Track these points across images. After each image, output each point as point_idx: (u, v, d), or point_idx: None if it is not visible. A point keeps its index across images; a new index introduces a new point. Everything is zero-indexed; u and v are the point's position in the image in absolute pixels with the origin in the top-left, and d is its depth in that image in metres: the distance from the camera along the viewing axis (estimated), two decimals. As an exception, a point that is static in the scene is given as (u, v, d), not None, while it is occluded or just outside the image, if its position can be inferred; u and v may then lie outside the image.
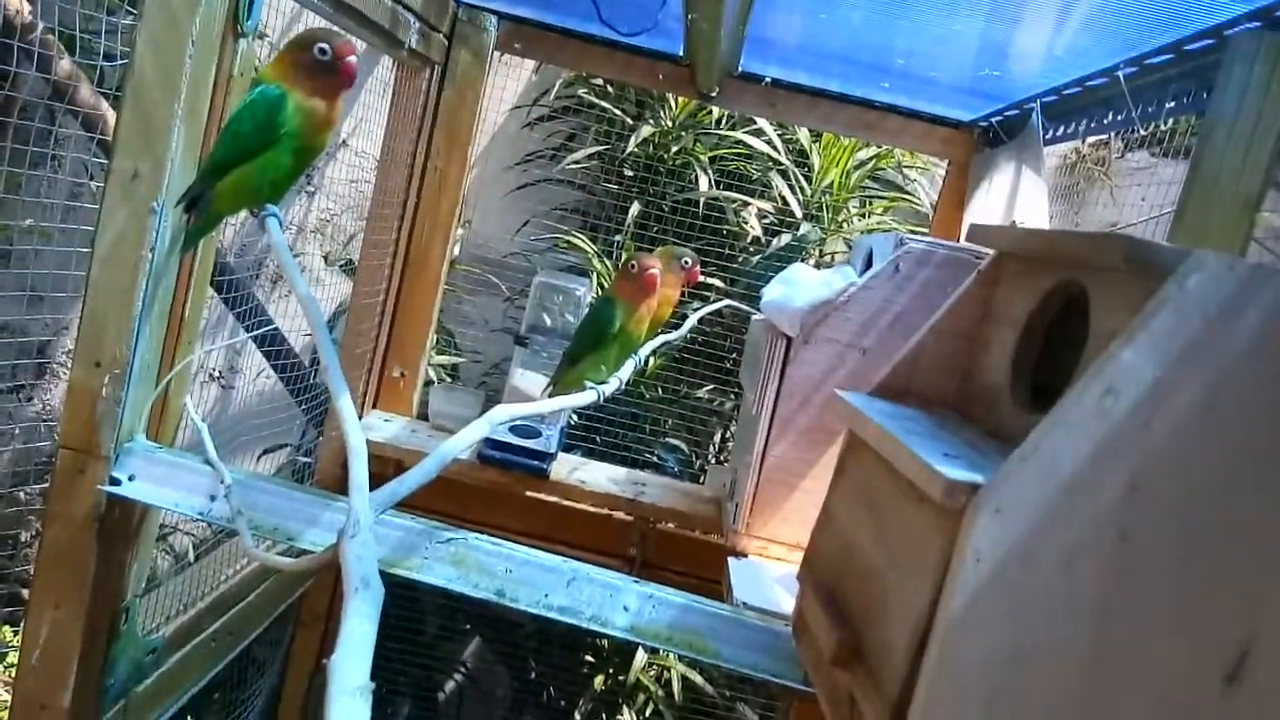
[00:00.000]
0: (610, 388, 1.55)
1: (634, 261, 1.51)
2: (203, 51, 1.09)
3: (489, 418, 1.07)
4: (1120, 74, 1.40)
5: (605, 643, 2.57)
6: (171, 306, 1.18)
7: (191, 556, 2.49)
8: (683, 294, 1.73)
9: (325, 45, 1.00)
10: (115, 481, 1.11)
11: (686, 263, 1.62)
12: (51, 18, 1.93)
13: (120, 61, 1.73)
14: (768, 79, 2.01)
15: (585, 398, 1.49)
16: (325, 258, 3.00)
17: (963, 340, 0.99)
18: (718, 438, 2.78)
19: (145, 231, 1.08)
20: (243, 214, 1.12)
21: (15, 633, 2.73)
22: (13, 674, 2.59)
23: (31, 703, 1.14)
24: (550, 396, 1.59)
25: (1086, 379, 0.66)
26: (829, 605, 0.89)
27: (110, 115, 2.10)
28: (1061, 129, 1.70)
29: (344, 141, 2.92)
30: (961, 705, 0.66)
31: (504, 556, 1.11)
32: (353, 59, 1.01)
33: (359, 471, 0.74)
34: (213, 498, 1.11)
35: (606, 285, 2.38)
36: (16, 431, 2.91)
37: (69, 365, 1.10)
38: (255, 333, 2.17)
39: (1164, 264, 0.66)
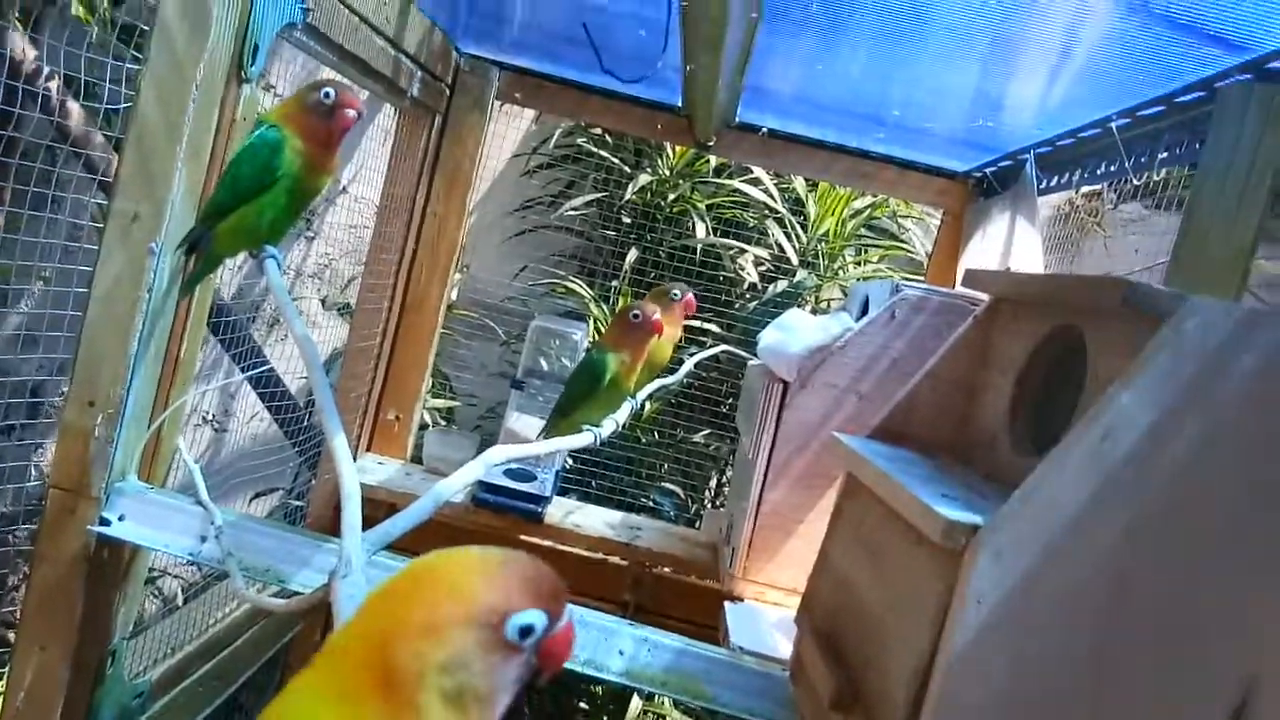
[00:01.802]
0: (606, 430, 1.54)
1: (637, 311, 1.48)
2: (206, 96, 1.11)
3: (484, 459, 1.06)
4: (1113, 125, 1.42)
5: (599, 689, 2.53)
6: (168, 347, 1.18)
7: (180, 600, 2.46)
8: (683, 334, 1.73)
9: (330, 90, 1.01)
10: (105, 522, 1.10)
11: (676, 294, 1.62)
12: (57, 62, 1.96)
13: (125, 105, 1.75)
14: (764, 129, 2.04)
15: (583, 439, 1.47)
16: (323, 301, 3.01)
17: (959, 385, 0.99)
18: (714, 483, 2.77)
19: (143, 273, 1.08)
20: (241, 256, 1.12)
21: (1, 676, 2.68)
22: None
23: (14, 747, 1.11)
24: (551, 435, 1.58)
25: (1085, 422, 0.66)
26: (827, 649, 0.88)
27: (115, 159, 2.12)
28: (1055, 179, 1.72)
29: (344, 188, 2.95)
30: (962, 752, 0.65)
31: (498, 600, 1.09)
32: (351, 112, 1.02)
33: (352, 512, 0.74)
34: (203, 539, 1.10)
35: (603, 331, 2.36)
36: (7, 473, 2.88)
37: (62, 407, 1.09)
38: (251, 373, 2.17)
39: (1161, 308, 0.67)
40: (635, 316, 1.48)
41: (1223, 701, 0.64)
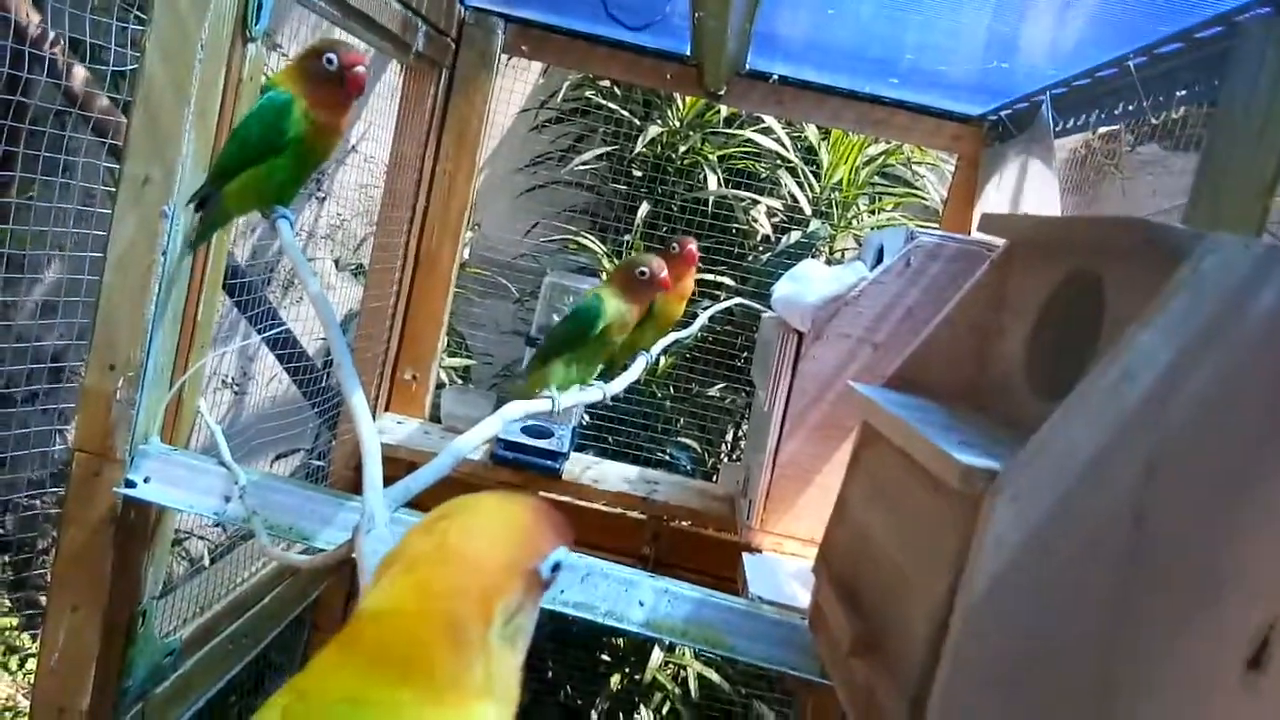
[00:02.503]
0: (587, 395, 1.42)
1: (644, 267, 1.38)
2: (212, 56, 1.10)
3: (501, 414, 1.07)
4: (1130, 64, 1.39)
5: (621, 642, 2.57)
6: (184, 310, 1.18)
7: (207, 562, 2.50)
8: (696, 287, 1.70)
9: (332, 55, 1.00)
10: (130, 484, 1.11)
11: (674, 248, 1.56)
12: (62, 24, 1.94)
13: (130, 67, 1.74)
14: (775, 76, 2.01)
15: (539, 405, 1.32)
16: (336, 262, 3.01)
17: (975, 331, 0.98)
18: (730, 436, 2.78)
19: (157, 235, 1.08)
20: (255, 219, 1.12)
21: (34, 638, 2.74)
22: (31, 680, 2.60)
23: (50, 705, 1.14)
24: (512, 396, 1.40)
25: (1103, 363, 0.66)
26: (845, 597, 0.89)
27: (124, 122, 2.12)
28: (1071, 121, 1.69)
29: (353, 147, 2.93)
30: (982, 693, 0.66)
31: (518, 554, 1.11)
32: (359, 69, 1.01)
33: (373, 467, 0.74)
34: (228, 499, 1.11)
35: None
36: (32, 440, 2.92)
37: (84, 373, 1.10)
38: (268, 334, 2.18)
39: (1180, 247, 0.66)
40: (642, 273, 1.38)
41: (1242, 643, 0.64)
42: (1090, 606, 0.65)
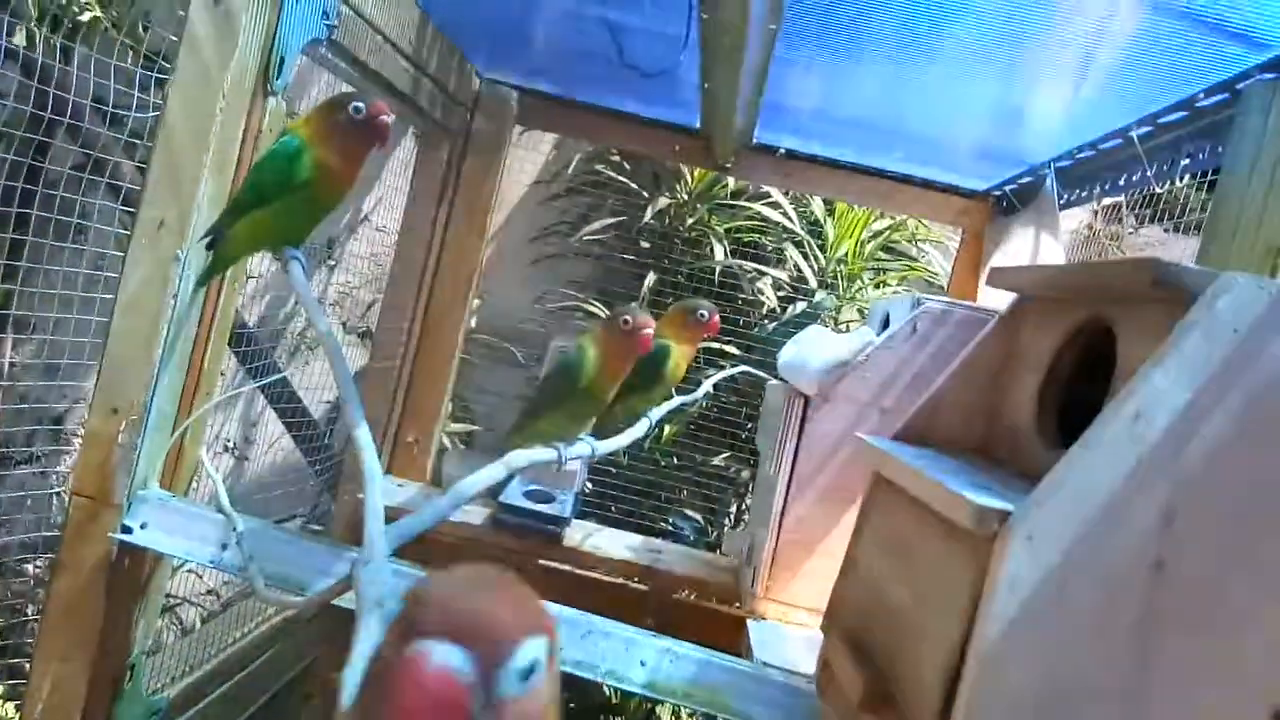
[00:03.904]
0: (574, 450, 1.36)
1: (628, 316, 1.29)
2: (232, 107, 1.12)
3: (505, 461, 1.05)
4: (1134, 134, 1.41)
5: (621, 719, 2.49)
6: (191, 357, 1.18)
7: (197, 630, 2.45)
8: (702, 354, 1.70)
9: (360, 104, 1.02)
10: (127, 530, 1.09)
11: (703, 315, 1.53)
12: (85, 89, 1.99)
13: (153, 114, 1.77)
14: (782, 150, 2.04)
15: (544, 455, 1.28)
16: (343, 325, 3.02)
17: (985, 383, 0.98)
18: (733, 509, 2.75)
19: (169, 280, 1.09)
20: (267, 281, 1.13)
21: (18, 709, 2.67)
22: (12, 751, 2.52)
23: (32, 759, 1.10)
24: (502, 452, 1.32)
25: (1117, 403, 0.65)
26: (855, 652, 0.86)
27: (133, 188, 2.16)
28: (1076, 193, 1.71)
29: (365, 217, 2.98)
30: (999, 742, 0.63)
31: (519, 609, 1.08)
32: (386, 118, 1.03)
33: (375, 496, 0.73)
34: (224, 546, 1.09)
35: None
36: (29, 503, 2.89)
37: (86, 415, 1.09)
38: (274, 390, 2.17)
39: (1192, 286, 0.66)
40: (625, 322, 1.29)
41: (1268, 688, 0.62)
42: (1108, 651, 0.63)
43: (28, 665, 2.72)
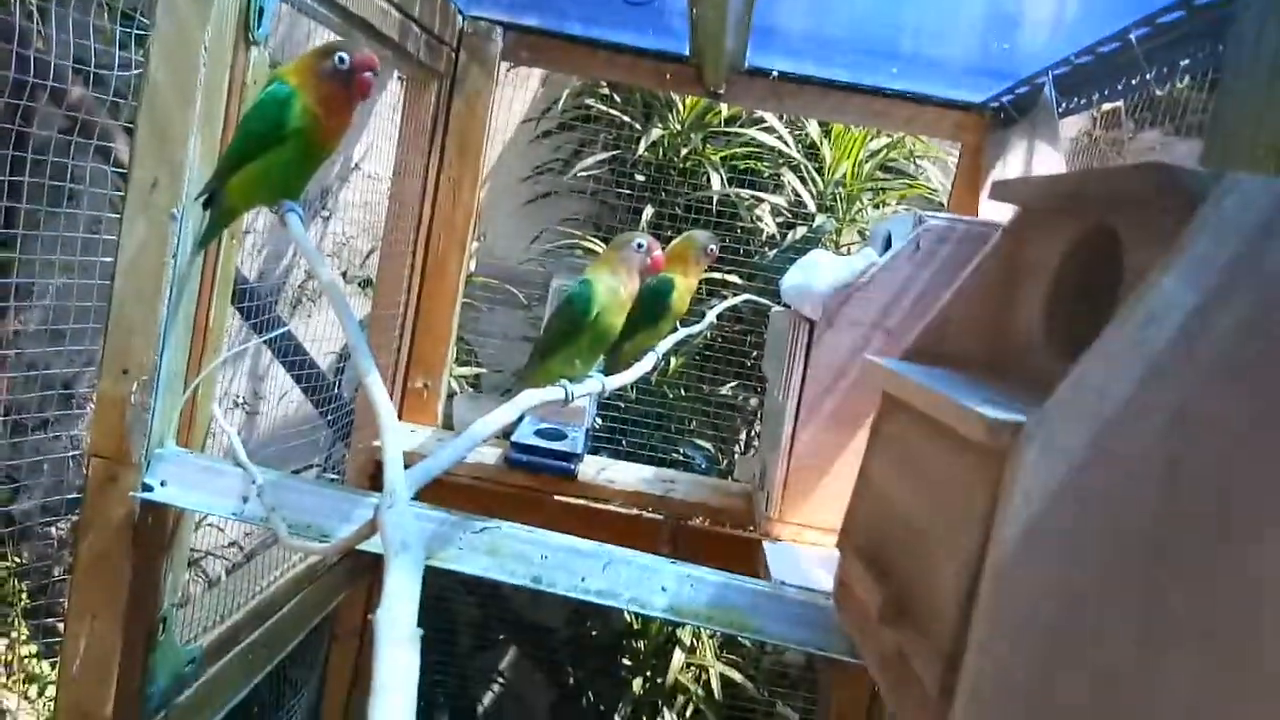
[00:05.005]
0: (585, 387, 1.35)
1: (640, 240, 1.30)
2: (215, 60, 1.10)
3: (516, 402, 1.06)
4: (1132, 36, 1.39)
5: (642, 645, 2.55)
6: (195, 315, 1.18)
7: (224, 580, 2.49)
8: (704, 285, 1.69)
9: (345, 54, 1.00)
10: (148, 488, 1.11)
11: (712, 250, 1.55)
12: (65, 50, 1.96)
13: (135, 71, 1.75)
14: (775, 72, 2.01)
15: (552, 394, 1.27)
16: (343, 275, 3.02)
17: (992, 298, 0.98)
18: (743, 436, 2.77)
19: (166, 238, 1.09)
20: (263, 236, 1.12)
21: (53, 666, 2.73)
22: (51, 707, 2.59)
23: (74, 713, 1.13)
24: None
25: (1127, 309, 0.65)
26: (873, 568, 0.88)
27: (121, 149, 2.13)
28: (1075, 100, 1.69)
29: (356, 165, 2.95)
30: (1017, 647, 0.65)
31: (539, 544, 1.10)
32: (369, 75, 1.01)
33: (393, 444, 0.74)
34: (245, 499, 1.11)
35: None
36: (46, 467, 2.92)
37: (98, 378, 1.10)
38: (280, 344, 2.17)
39: (1198, 189, 0.65)
40: (639, 246, 1.29)
41: (1281, 582, 0.63)
42: (1125, 556, 0.64)
43: (60, 625, 2.78)
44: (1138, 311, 0.65)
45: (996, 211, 1.41)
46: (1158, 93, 1.41)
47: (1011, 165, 1.86)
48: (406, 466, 0.81)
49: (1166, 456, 0.64)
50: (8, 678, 2.72)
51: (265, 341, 2.21)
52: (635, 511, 1.96)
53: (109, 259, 1.14)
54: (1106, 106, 1.95)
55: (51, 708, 2.60)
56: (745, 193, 2.69)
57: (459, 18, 1.96)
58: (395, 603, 0.51)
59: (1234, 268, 0.63)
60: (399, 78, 2.01)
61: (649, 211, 2.66)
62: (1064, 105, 1.73)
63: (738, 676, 2.50)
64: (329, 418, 2.15)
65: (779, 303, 1.73)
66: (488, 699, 2.81)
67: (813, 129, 2.72)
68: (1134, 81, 1.47)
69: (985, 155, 2.02)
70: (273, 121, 0.99)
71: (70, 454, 2.83)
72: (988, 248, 0.99)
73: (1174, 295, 0.64)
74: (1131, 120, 3.03)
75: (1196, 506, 0.64)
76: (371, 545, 0.83)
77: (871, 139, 2.70)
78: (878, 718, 2.04)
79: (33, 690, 2.72)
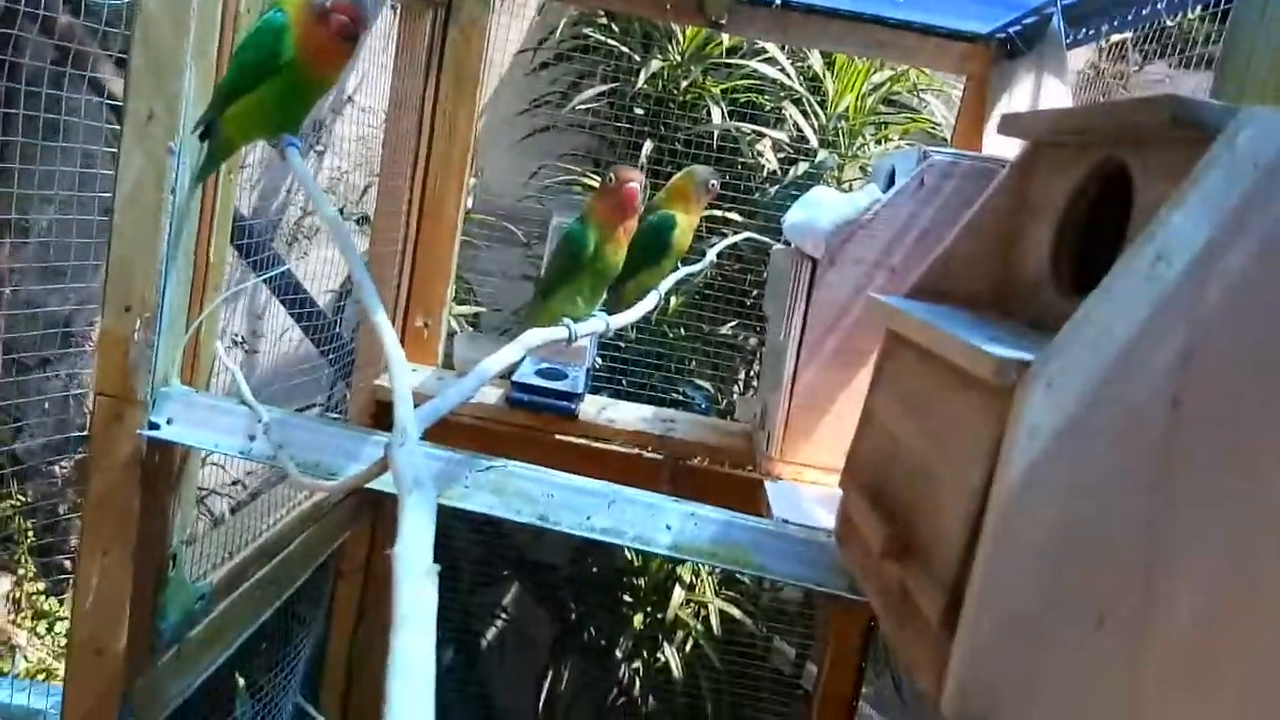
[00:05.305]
0: (588, 326, 1.36)
1: (610, 173, 1.29)
2: (208, -12, 1.08)
3: (521, 341, 1.06)
4: (1144, -35, 1.36)
5: (643, 581, 2.59)
6: (195, 252, 1.18)
7: (229, 520, 2.52)
8: (701, 224, 1.68)
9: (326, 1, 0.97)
10: (154, 426, 1.11)
11: (713, 186, 1.54)
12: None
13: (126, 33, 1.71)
14: (777, 1, 1.97)
15: (556, 333, 1.28)
16: (340, 212, 2.99)
17: (999, 235, 0.97)
18: (743, 375, 2.78)
19: (164, 172, 1.07)
20: (259, 171, 1.10)
21: (61, 603, 2.78)
22: (61, 643, 2.64)
23: (87, 648, 1.15)
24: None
25: (1136, 246, 0.64)
26: (876, 505, 0.89)
27: (111, 80, 2.10)
28: (1084, 31, 1.66)
29: (349, 98, 2.90)
30: (1020, 582, 0.66)
31: (544, 482, 1.11)
32: (342, 17, 0.97)
33: (402, 382, 0.74)
34: (252, 437, 1.11)
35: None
36: (47, 406, 2.93)
37: (94, 337, 1.09)
38: (277, 281, 2.16)
39: (1211, 122, 0.65)
40: (609, 180, 1.29)
41: (1283, 517, 0.64)
42: (1128, 491, 0.65)
43: (67, 563, 2.81)
44: (1147, 249, 0.64)
45: (1001, 147, 1.39)
46: (1169, 23, 1.38)
47: (1017, 99, 1.83)
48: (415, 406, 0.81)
49: (1172, 395, 0.64)
50: (16, 614, 2.77)
51: (265, 280, 2.20)
52: (635, 451, 1.97)
53: (105, 194, 1.12)
54: (1115, 38, 1.91)
55: (59, 643, 2.65)
56: (746, 127, 2.65)
57: (454, -55, 1.91)
58: (412, 539, 0.52)
59: (1246, 205, 0.63)
60: (392, 5, 1.97)
61: (649, 146, 2.62)
62: (1071, 36, 1.69)
63: (736, 613, 2.55)
64: (330, 357, 2.15)
65: (780, 240, 1.72)
66: (491, 633, 2.87)
67: (815, 61, 2.67)
68: (1144, 11, 1.45)
69: (990, 89, 1.99)
70: (267, 51, 0.97)
71: (72, 393, 2.84)
72: (994, 183, 0.98)
73: (1184, 233, 0.64)
74: (1137, 53, 2.98)
75: (1202, 445, 0.65)
76: (379, 483, 0.84)
77: (875, 72, 2.66)
78: (873, 653, 2.08)
79: (41, 626, 2.76)
